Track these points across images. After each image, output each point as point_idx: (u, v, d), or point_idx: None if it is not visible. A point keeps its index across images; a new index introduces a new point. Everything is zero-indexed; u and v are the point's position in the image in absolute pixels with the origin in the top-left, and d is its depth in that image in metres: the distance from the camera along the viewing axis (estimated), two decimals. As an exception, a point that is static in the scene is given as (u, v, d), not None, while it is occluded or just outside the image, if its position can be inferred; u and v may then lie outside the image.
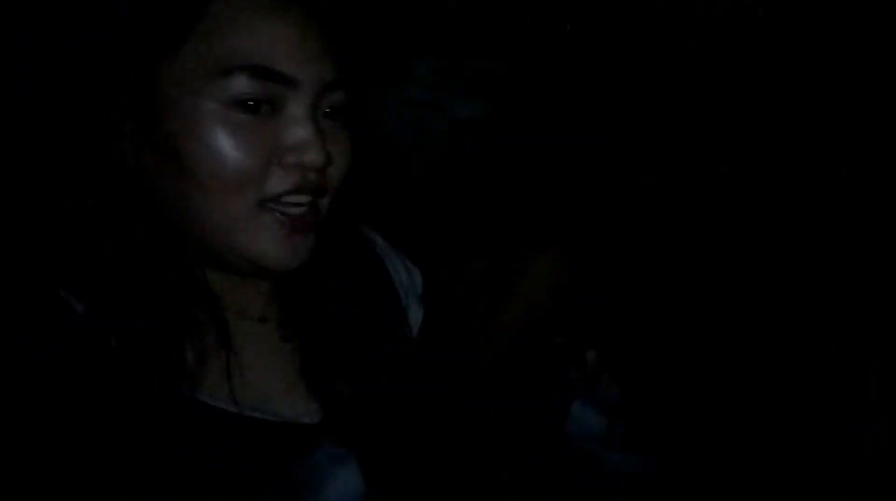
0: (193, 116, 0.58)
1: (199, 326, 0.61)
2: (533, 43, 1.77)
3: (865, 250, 1.54)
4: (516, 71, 1.67)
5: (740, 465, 1.46)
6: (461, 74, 1.58)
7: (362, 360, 0.69)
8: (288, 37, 0.59)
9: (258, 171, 0.59)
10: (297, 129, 0.60)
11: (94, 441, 0.54)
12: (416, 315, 0.78)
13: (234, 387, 0.61)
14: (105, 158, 0.60)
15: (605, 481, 1.35)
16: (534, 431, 1.32)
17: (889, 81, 1.55)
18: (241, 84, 0.58)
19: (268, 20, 0.59)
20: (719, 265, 1.64)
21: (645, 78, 1.90)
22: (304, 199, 0.61)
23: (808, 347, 1.52)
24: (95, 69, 0.59)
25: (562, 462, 1.34)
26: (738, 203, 1.68)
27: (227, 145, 0.58)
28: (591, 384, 1.41)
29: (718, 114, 2.03)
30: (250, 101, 0.58)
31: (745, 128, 1.77)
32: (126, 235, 0.59)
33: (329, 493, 0.63)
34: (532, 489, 1.28)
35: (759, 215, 1.66)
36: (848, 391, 1.46)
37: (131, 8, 0.59)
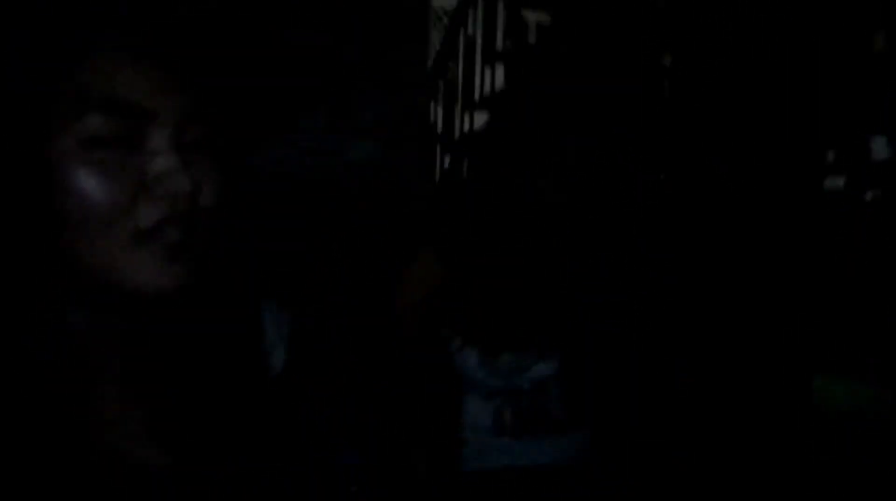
0: (58, 158, 0.60)
1: (66, 371, 0.63)
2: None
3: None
4: (413, 112, 1.82)
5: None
6: (354, 121, 1.71)
7: (213, 404, 0.70)
8: (143, 74, 0.61)
9: (124, 205, 0.60)
10: (160, 159, 0.61)
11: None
12: (279, 357, 0.80)
13: (95, 422, 0.62)
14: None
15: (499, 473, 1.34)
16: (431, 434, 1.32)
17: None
18: (97, 121, 0.60)
19: (124, 62, 0.61)
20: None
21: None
22: (178, 229, 0.62)
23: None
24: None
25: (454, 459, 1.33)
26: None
27: (89, 184, 0.60)
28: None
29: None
30: (108, 137, 0.60)
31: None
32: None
33: None
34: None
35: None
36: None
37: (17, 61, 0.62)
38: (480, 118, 2.65)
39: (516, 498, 1.35)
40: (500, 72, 2.86)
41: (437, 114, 2.89)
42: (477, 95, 2.85)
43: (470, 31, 2.82)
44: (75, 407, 0.61)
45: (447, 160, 2.80)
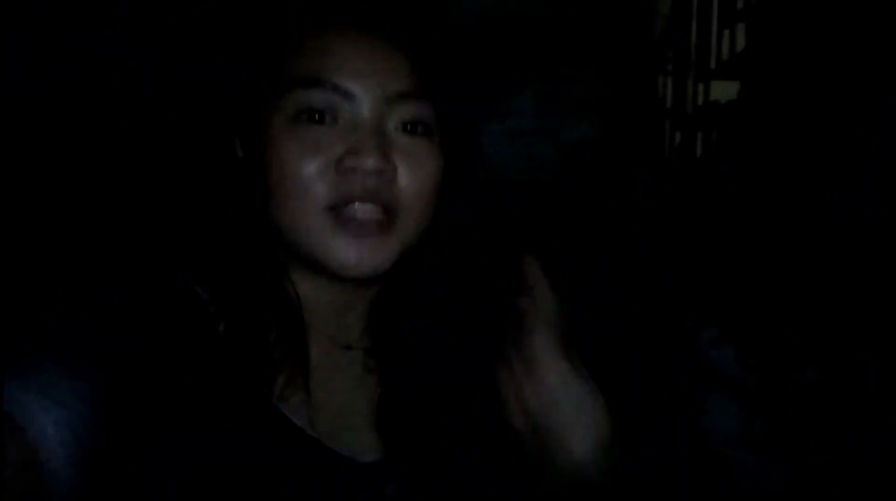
0: (264, 130, 0.64)
1: (285, 342, 0.65)
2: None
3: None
4: (623, 91, 1.64)
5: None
6: (568, 98, 1.55)
7: (441, 406, 0.68)
8: (347, 52, 0.64)
9: (318, 177, 0.63)
10: (354, 134, 0.63)
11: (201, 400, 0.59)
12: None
13: (312, 408, 0.64)
14: (225, 178, 0.68)
15: (736, 490, 1.15)
16: (661, 428, 1.15)
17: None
18: (301, 97, 0.63)
19: (330, 40, 0.65)
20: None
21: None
22: (369, 207, 0.63)
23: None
24: (218, 103, 0.69)
25: (690, 465, 1.16)
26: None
27: (289, 154, 0.63)
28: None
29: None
30: (311, 111, 0.63)
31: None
32: (233, 243, 0.66)
33: None
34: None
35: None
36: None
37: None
38: (719, 87, 2.29)
39: None
40: (742, 32, 2.29)
41: (666, 85, 2.52)
42: (714, 62, 2.39)
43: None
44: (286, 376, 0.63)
45: (678, 137, 2.45)
